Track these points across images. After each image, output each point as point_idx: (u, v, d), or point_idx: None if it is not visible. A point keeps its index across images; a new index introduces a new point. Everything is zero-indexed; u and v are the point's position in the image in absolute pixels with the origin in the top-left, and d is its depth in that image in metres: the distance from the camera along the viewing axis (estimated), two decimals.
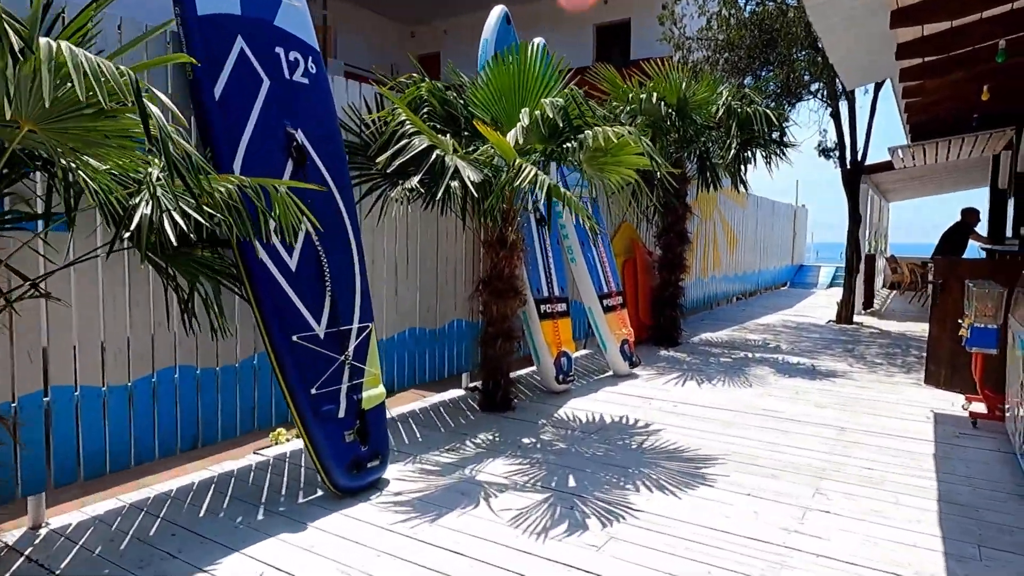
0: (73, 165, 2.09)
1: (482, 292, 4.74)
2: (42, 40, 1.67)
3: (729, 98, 7.09)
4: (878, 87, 9.23)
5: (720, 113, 7.02)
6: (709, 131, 7.16)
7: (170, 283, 2.79)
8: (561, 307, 5.51)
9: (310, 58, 3.62)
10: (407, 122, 3.77)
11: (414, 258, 4.81)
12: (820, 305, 12.58)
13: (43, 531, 2.83)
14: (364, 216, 4.31)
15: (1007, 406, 4.35)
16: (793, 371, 6.36)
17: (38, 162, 2.27)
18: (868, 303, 11.64)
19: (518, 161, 3.60)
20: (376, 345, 3.58)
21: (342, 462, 3.20)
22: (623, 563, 2.63)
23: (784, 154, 7.34)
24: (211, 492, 3.28)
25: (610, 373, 6.15)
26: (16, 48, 1.66)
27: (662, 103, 6.53)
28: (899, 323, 10.12)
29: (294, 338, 3.13)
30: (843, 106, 9.33)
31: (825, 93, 9.29)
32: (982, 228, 9.46)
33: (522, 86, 4.45)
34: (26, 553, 2.64)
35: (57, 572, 2.51)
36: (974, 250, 9.64)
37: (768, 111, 6.99)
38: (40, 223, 2.68)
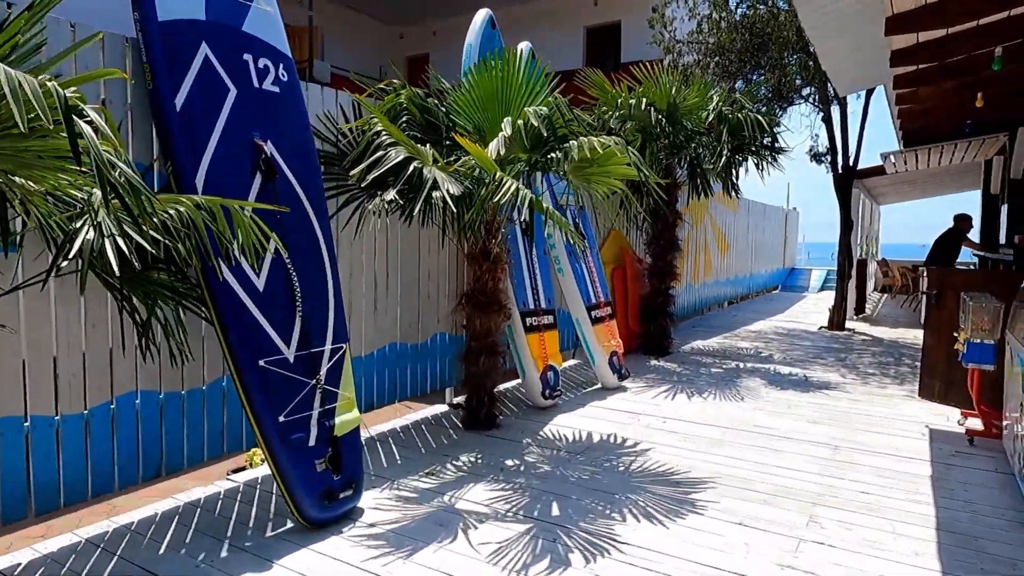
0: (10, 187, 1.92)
1: (465, 306, 4.58)
2: None
3: (720, 103, 6.96)
4: (870, 92, 9.13)
5: (711, 119, 6.89)
6: (700, 137, 7.04)
7: (126, 307, 2.61)
8: (548, 319, 5.36)
9: (281, 65, 3.44)
10: (383, 132, 3.60)
11: (395, 271, 4.64)
12: (811, 310, 12.49)
13: None
14: (341, 228, 4.14)
15: (1005, 424, 4.23)
16: (785, 383, 6.23)
17: None
18: (860, 308, 11.55)
19: (499, 175, 3.45)
20: (351, 367, 3.41)
21: (313, 493, 3.03)
22: None
23: (776, 161, 7.22)
24: (175, 524, 3.11)
25: (598, 386, 6.00)
26: None
27: (652, 109, 6.39)
28: (891, 329, 10.03)
29: (261, 363, 2.96)
30: (835, 111, 9.24)
31: (817, 98, 9.18)
32: (974, 234, 9.39)
33: (506, 93, 4.29)
34: None
35: None
36: (966, 256, 9.58)
37: (759, 117, 6.86)
38: None
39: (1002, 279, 5.17)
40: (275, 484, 3.47)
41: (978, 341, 4.38)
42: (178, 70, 2.95)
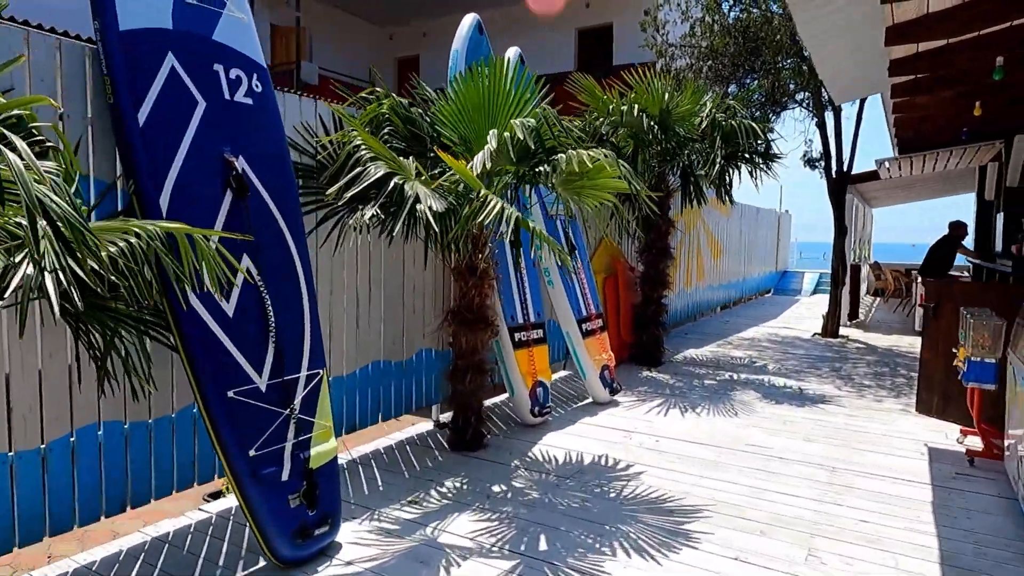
0: None
1: (450, 323, 4.42)
2: None
3: (713, 110, 6.83)
4: (864, 98, 9.02)
5: (704, 125, 6.76)
6: (693, 144, 6.90)
7: (82, 338, 2.44)
8: (537, 333, 5.21)
9: (255, 75, 3.27)
10: (363, 146, 3.43)
11: (378, 286, 4.47)
12: (805, 315, 12.40)
13: None
14: (321, 244, 3.97)
15: (1007, 445, 4.11)
16: (780, 396, 6.10)
17: None
18: (853, 313, 11.46)
19: (483, 192, 3.29)
20: (328, 394, 3.24)
21: (286, 530, 2.87)
22: None
23: (770, 168, 7.09)
24: (139, 563, 2.93)
25: (589, 400, 5.85)
26: None
27: (644, 115, 6.25)
28: (885, 336, 9.94)
29: (230, 394, 2.79)
30: (829, 116, 9.12)
31: (811, 103, 9.07)
32: (968, 241, 9.30)
33: (492, 103, 4.13)
34: None
35: None
36: (959, 261, 9.48)
37: (754, 124, 6.74)
38: None
39: (1002, 293, 5.05)
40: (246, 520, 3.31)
41: (978, 359, 4.26)
42: (141, 82, 2.78)
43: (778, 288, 17.39)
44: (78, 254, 1.61)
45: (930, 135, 7.15)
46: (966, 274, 10.45)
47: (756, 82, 9.02)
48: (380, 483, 3.91)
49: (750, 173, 7.11)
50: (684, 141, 6.74)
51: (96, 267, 1.71)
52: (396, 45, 18.05)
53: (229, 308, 2.87)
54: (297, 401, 3.05)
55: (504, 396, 5.64)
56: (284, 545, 2.86)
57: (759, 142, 6.83)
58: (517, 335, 4.97)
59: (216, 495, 4.20)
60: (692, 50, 9.44)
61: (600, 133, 6.49)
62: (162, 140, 2.80)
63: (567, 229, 5.94)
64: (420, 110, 4.32)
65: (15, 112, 1.95)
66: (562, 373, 6.93)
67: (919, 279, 10.31)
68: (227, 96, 3.11)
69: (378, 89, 4.29)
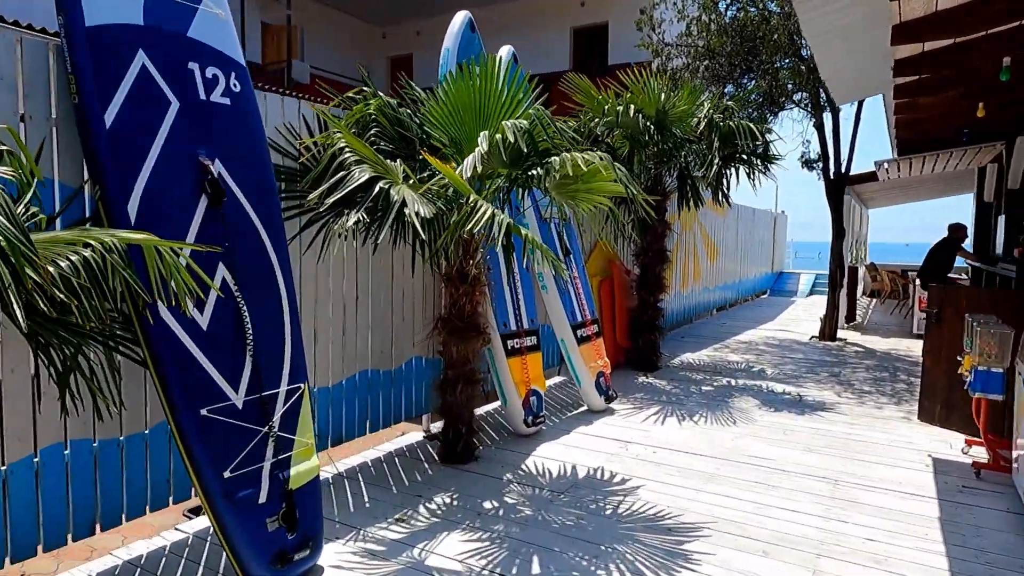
0: None
1: (440, 331, 4.27)
2: None
3: (711, 110, 6.69)
4: (863, 99, 8.90)
5: (701, 126, 6.62)
6: (690, 145, 6.76)
7: (41, 355, 2.27)
8: (531, 340, 5.05)
9: (233, 74, 3.11)
10: (347, 148, 3.27)
11: (365, 293, 4.31)
12: (802, 317, 12.29)
13: None
14: (304, 250, 3.81)
15: (1015, 457, 3.98)
16: (779, 403, 5.97)
17: None
18: (851, 316, 11.35)
19: (472, 198, 3.13)
20: (310, 409, 3.09)
21: (263, 556, 2.71)
22: None
23: (768, 170, 6.95)
24: None
25: (584, 408, 5.71)
26: None
27: (640, 115, 6.11)
28: (883, 339, 9.83)
29: (203, 412, 2.63)
30: (827, 117, 9.00)
31: (809, 104, 8.94)
32: (967, 242, 9.20)
33: (484, 103, 3.98)
34: None
35: None
36: (958, 263, 9.38)
37: (752, 125, 6.59)
38: None
39: (1009, 300, 4.92)
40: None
41: (985, 368, 4.13)
42: (108, 82, 2.61)
43: (774, 289, 17.29)
44: (25, 270, 1.45)
45: (930, 136, 7.03)
46: (964, 276, 10.35)
47: (754, 82, 8.88)
48: (367, 499, 3.75)
49: (748, 175, 6.97)
50: (681, 142, 6.60)
51: (39, 282, 1.55)
52: (389, 44, 17.87)
53: (203, 321, 2.71)
54: (276, 418, 2.89)
55: (496, 404, 5.49)
56: (262, 571, 2.70)
57: (757, 143, 6.69)
58: (510, 343, 4.82)
59: (197, 510, 4.01)
60: (688, 49, 9.30)
61: (595, 134, 6.35)
62: (131, 142, 2.64)
63: (560, 230, 5.79)
64: (409, 110, 4.16)
65: None
66: (556, 379, 6.79)
67: (917, 281, 10.22)
68: (203, 96, 2.94)
69: (366, 88, 4.13)
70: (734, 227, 13.35)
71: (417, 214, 3.14)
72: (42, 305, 1.54)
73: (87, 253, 1.76)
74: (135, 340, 2.60)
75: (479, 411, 5.43)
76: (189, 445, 2.60)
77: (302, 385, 3.07)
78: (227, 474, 2.65)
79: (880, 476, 4.20)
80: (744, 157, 6.90)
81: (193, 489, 3.26)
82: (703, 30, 9.07)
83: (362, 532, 3.33)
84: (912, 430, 5.21)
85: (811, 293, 17.02)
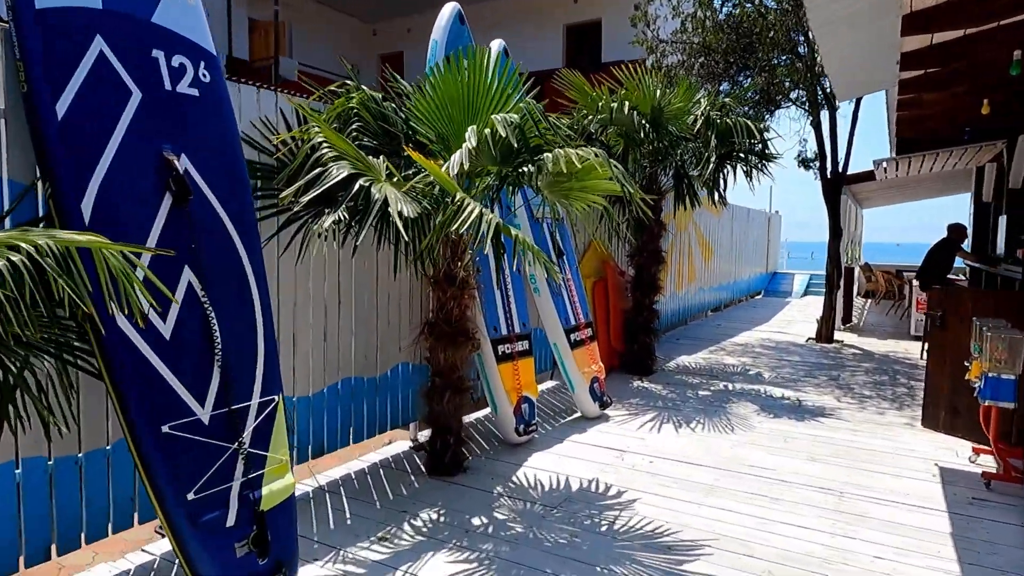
0: None
1: (427, 336, 4.07)
2: None
3: (708, 107, 6.51)
4: (860, 97, 8.75)
5: (698, 124, 6.44)
6: (686, 143, 6.58)
7: None
8: (522, 345, 4.86)
9: (202, 63, 2.89)
10: (324, 143, 3.07)
11: (348, 296, 4.10)
12: (797, 318, 12.14)
13: None
14: (282, 251, 3.60)
15: None
16: (778, 408, 5.79)
17: None
18: (847, 317, 11.21)
19: (459, 196, 2.94)
20: (284, 422, 2.88)
21: None
22: None
23: (766, 168, 6.78)
24: None
25: (578, 414, 5.51)
26: None
27: (635, 113, 5.92)
28: (880, 341, 9.68)
29: (165, 428, 2.42)
30: (824, 116, 8.84)
31: (806, 102, 8.78)
32: (965, 243, 9.07)
33: (473, 97, 3.78)
34: None
35: None
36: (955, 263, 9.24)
37: (749, 122, 6.42)
38: None
39: (1018, 303, 4.76)
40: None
41: (995, 375, 3.97)
42: (61, 70, 2.40)
43: (768, 290, 17.16)
44: None
45: (931, 135, 6.88)
46: (962, 277, 10.24)
47: (750, 80, 8.72)
48: (348, 515, 3.55)
49: (746, 173, 6.80)
50: (677, 140, 6.42)
51: None
52: (380, 41, 17.65)
53: (165, 329, 2.50)
54: (247, 433, 2.68)
55: (486, 410, 5.30)
56: None
57: (755, 141, 6.52)
58: (501, 348, 4.62)
59: None
60: (683, 46, 9.13)
61: (589, 132, 6.16)
62: (86, 136, 2.42)
63: (553, 230, 5.60)
64: (394, 105, 3.96)
65: None
66: (549, 384, 6.60)
67: (913, 282, 10.08)
68: (168, 86, 2.73)
69: (349, 82, 3.93)
70: (729, 227, 13.20)
71: (400, 214, 2.94)
72: None
73: (15, 258, 1.55)
74: (92, 351, 2.39)
75: (468, 418, 5.24)
76: (149, 465, 2.39)
77: (276, 397, 2.86)
78: (191, 496, 2.44)
79: (886, 487, 4.02)
80: (742, 155, 6.73)
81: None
82: (698, 26, 8.91)
83: (342, 553, 3.12)
84: (916, 437, 5.05)
85: (806, 294, 16.90)
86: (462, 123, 3.75)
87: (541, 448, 4.66)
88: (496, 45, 4.98)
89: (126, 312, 2.13)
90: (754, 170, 6.75)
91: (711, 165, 6.48)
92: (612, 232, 7.10)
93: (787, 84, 8.55)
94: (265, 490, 2.69)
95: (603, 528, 3.42)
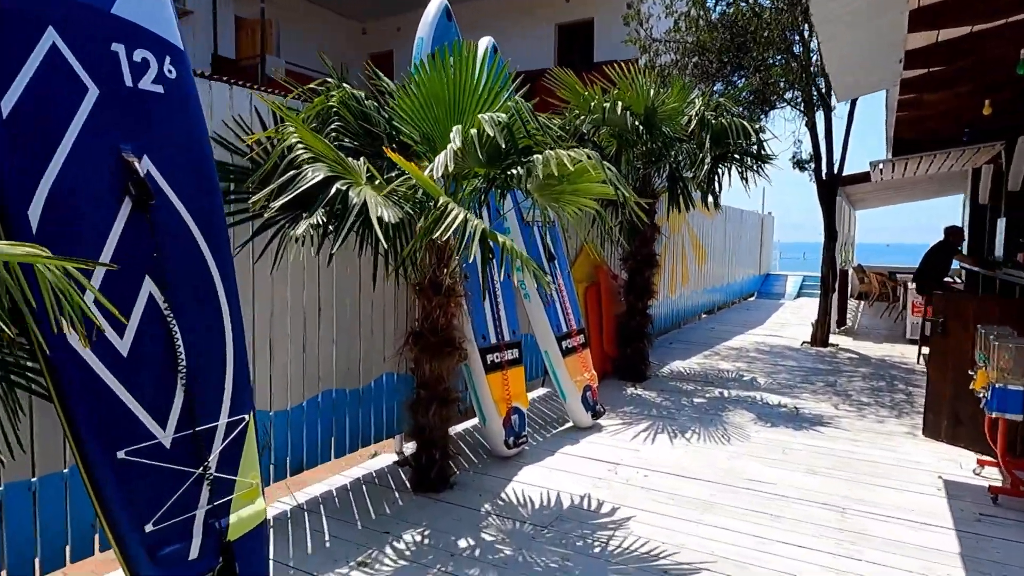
0: None
1: (412, 346, 3.88)
2: None
3: (702, 108, 6.36)
4: (856, 98, 8.63)
5: (692, 125, 6.29)
6: (680, 144, 6.43)
7: None
8: (512, 354, 4.68)
9: (168, 58, 2.70)
10: (299, 144, 2.88)
11: (328, 305, 3.92)
12: (791, 321, 12.03)
13: None
14: (257, 258, 3.41)
15: None
16: (775, 417, 5.64)
17: None
18: (842, 320, 11.10)
19: (442, 200, 2.75)
20: (256, 443, 2.69)
21: None
22: None
23: (762, 170, 6.64)
24: None
25: (570, 424, 5.34)
26: None
27: (628, 113, 5.76)
28: (876, 344, 9.57)
29: (121, 454, 2.23)
30: (819, 117, 8.72)
31: (801, 103, 8.65)
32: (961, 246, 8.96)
33: (459, 96, 3.59)
34: None
35: None
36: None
37: (745, 123, 6.27)
38: None
39: (1020, 309, 4.63)
40: None
41: (1002, 386, 3.82)
42: (8, 63, 2.20)
43: (761, 292, 17.06)
44: None
45: (930, 136, 6.75)
46: (958, 280, 10.14)
47: (744, 80, 8.58)
48: (327, 536, 3.36)
49: (741, 175, 6.65)
50: (671, 141, 6.27)
51: None
52: (369, 40, 17.44)
53: (123, 345, 2.30)
54: (213, 457, 2.49)
55: (475, 420, 5.11)
56: None
57: (750, 142, 6.37)
58: (489, 357, 4.44)
59: None
60: (677, 45, 8.98)
61: (581, 132, 6.00)
62: (35, 135, 2.22)
63: (545, 235, 5.42)
64: (376, 103, 3.77)
65: None
66: (540, 391, 6.43)
67: (908, 285, 9.98)
68: (129, 83, 2.53)
69: (329, 80, 3.74)
70: (722, 229, 13.08)
71: (380, 219, 2.76)
72: None
73: None
74: (39, 369, 2.19)
75: (456, 428, 5.06)
76: (103, 494, 2.19)
77: (246, 416, 2.67)
78: (149, 527, 2.24)
79: (890, 502, 3.87)
80: (736, 157, 6.58)
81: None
82: (692, 25, 8.76)
83: None
84: (918, 447, 4.91)
85: (799, 295, 16.83)
86: (448, 123, 3.56)
87: (532, 461, 4.49)
88: (485, 42, 4.80)
89: (69, 331, 1.94)
90: (749, 171, 6.60)
91: (705, 166, 6.33)
92: (605, 236, 6.93)
93: (782, 84, 8.42)
94: (233, 518, 2.50)
95: (596, 550, 3.25)
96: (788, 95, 8.72)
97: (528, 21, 15.06)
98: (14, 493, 2.51)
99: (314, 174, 2.75)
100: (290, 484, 3.87)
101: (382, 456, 4.56)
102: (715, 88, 8.82)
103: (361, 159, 3.27)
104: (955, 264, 9.04)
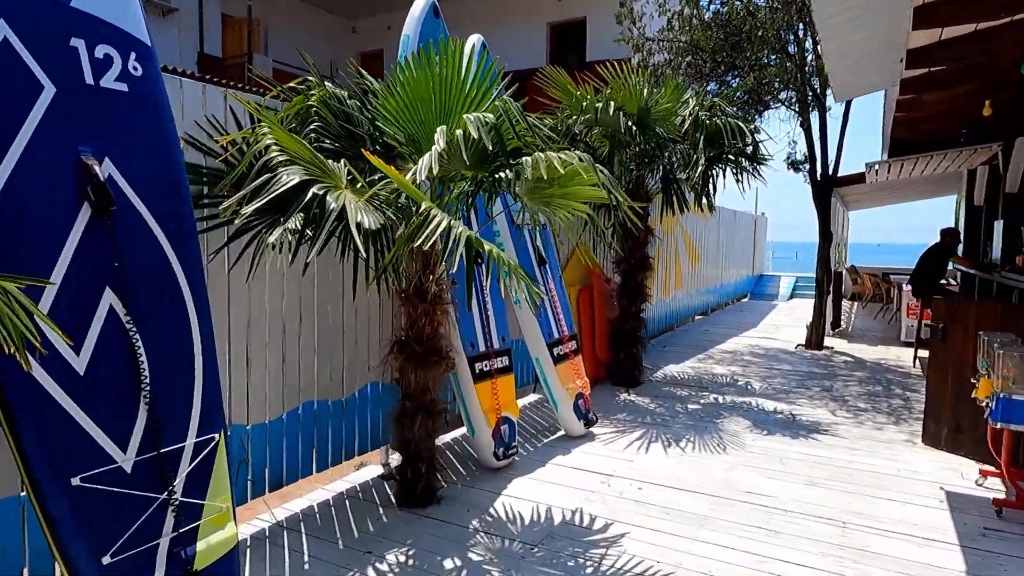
0: None
1: (397, 356, 3.73)
2: None
3: (696, 108, 6.23)
4: (851, 99, 8.53)
5: (686, 125, 6.16)
6: (674, 145, 6.30)
7: None
8: (502, 362, 4.53)
9: (133, 55, 2.53)
10: (274, 147, 2.72)
11: (310, 312, 3.76)
12: (785, 323, 11.93)
13: None
14: (232, 264, 3.25)
15: None
16: (771, 424, 5.52)
17: None
18: (836, 322, 11.01)
19: (425, 206, 2.61)
20: (226, 464, 2.53)
21: None
22: None
23: (757, 172, 6.52)
24: None
25: (562, 433, 5.20)
26: None
27: (620, 113, 5.62)
28: (871, 347, 9.48)
29: (75, 481, 2.07)
30: (814, 117, 8.61)
31: (796, 103, 8.54)
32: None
33: (446, 95, 3.44)
34: None
35: None
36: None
37: (740, 124, 6.15)
38: None
39: (1010, 313, 4.52)
40: None
41: (1007, 395, 3.70)
42: None
43: (755, 293, 16.97)
44: None
45: (930, 136, 6.65)
46: (953, 282, 10.06)
47: (738, 80, 8.46)
48: (306, 558, 3.20)
49: (735, 176, 6.53)
50: (664, 142, 6.14)
51: None
52: (359, 39, 17.26)
53: (79, 363, 2.14)
54: (180, 480, 2.33)
55: (463, 430, 4.96)
56: None
57: (745, 143, 6.25)
58: (478, 366, 4.29)
59: None
60: (670, 45, 8.86)
61: (573, 133, 5.86)
62: None
63: (535, 238, 5.28)
64: (360, 103, 3.62)
65: None
66: (531, 397, 6.28)
67: (902, 286, 9.90)
68: (89, 80, 2.37)
69: (310, 78, 3.59)
70: (715, 230, 12.98)
71: (359, 225, 2.61)
72: None
73: None
74: None
75: (444, 438, 4.91)
76: (55, 524, 2.03)
77: (216, 435, 2.51)
78: (107, 559, 2.08)
79: (892, 516, 3.75)
80: (731, 158, 6.46)
81: None
82: (685, 24, 8.64)
83: None
84: (918, 456, 4.79)
85: (792, 296, 16.75)
86: (433, 123, 3.41)
87: (522, 473, 4.34)
88: (475, 40, 4.65)
89: (9, 352, 1.78)
90: (744, 172, 6.48)
91: (700, 168, 6.20)
92: (598, 239, 6.80)
93: (777, 84, 8.31)
94: (201, 545, 2.34)
95: (588, 571, 3.10)
96: (783, 95, 8.61)
97: (519, 20, 14.91)
98: None
99: (288, 178, 2.60)
100: (269, 499, 3.71)
101: (367, 469, 4.40)
102: (709, 88, 8.70)
103: (342, 161, 3.11)
104: (950, 266, 8.97)
